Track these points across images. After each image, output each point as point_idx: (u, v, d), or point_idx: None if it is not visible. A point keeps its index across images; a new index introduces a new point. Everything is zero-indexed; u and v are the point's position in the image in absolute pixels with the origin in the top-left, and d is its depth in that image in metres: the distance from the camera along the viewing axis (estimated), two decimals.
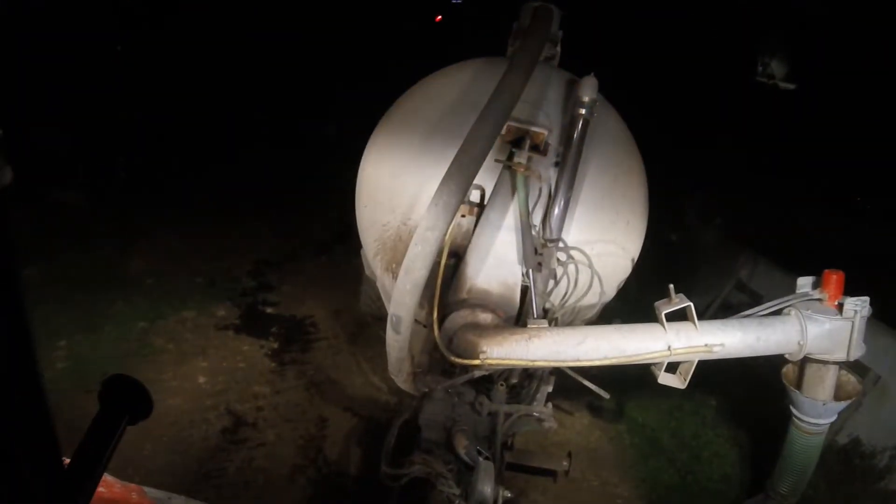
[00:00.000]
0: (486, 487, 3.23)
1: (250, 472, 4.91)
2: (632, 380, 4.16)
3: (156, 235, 8.45)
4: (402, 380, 3.92)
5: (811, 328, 3.59)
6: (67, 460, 0.94)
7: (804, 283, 3.87)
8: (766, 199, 7.97)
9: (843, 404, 4.06)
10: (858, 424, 5.14)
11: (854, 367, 4.07)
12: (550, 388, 4.25)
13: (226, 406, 5.55)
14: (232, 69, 11.35)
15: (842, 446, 5.12)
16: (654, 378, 3.50)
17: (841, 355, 3.70)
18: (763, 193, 8.05)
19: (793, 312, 3.67)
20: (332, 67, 12.23)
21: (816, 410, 4.03)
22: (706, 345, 3.40)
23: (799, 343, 3.60)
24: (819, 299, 3.73)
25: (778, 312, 3.73)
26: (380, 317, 4.96)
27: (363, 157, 4.65)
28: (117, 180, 9.16)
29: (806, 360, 3.88)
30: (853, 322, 3.62)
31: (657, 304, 3.46)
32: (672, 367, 3.51)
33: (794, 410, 4.12)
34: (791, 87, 9.08)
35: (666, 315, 3.41)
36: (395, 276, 3.87)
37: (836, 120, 7.94)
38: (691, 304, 3.39)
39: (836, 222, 7.59)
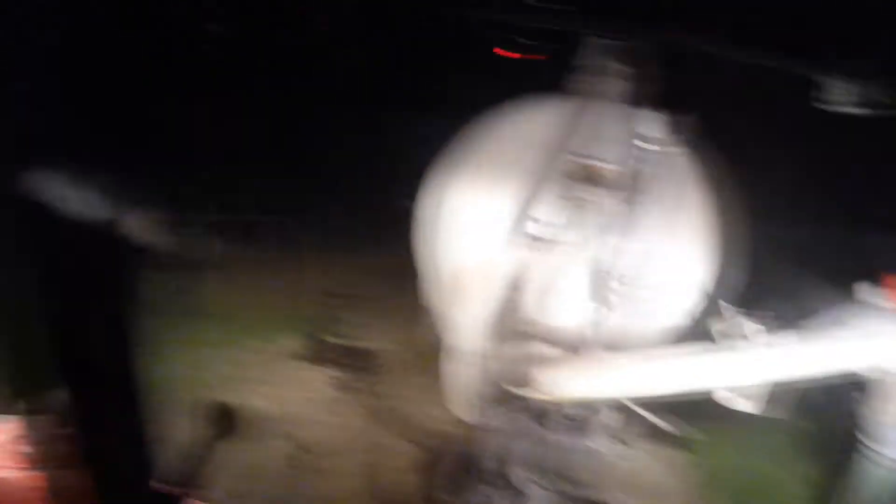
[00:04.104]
0: None
1: (318, 502, 5.01)
2: (698, 410, 4.09)
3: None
4: (461, 410, 3.96)
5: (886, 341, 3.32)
6: None
7: (865, 290, 3.71)
8: None
9: None
10: None
11: None
12: (613, 421, 4.23)
13: (287, 433, 5.67)
14: None
15: None
16: (721, 407, 3.42)
17: None
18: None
19: (861, 324, 3.49)
20: None
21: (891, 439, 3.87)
22: (768, 364, 3.26)
23: (874, 358, 3.35)
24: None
25: (842, 324, 3.56)
26: (441, 348, 5.03)
27: (426, 194, 4.75)
28: None
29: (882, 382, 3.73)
30: None
31: (714, 323, 3.37)
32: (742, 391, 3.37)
33: (866, 441, 3.97)
34: None
35: (723, 334, 3.32)
36: (457, 308, 3.95)
37: None
38: (749, 322, 3.28)
39: None
